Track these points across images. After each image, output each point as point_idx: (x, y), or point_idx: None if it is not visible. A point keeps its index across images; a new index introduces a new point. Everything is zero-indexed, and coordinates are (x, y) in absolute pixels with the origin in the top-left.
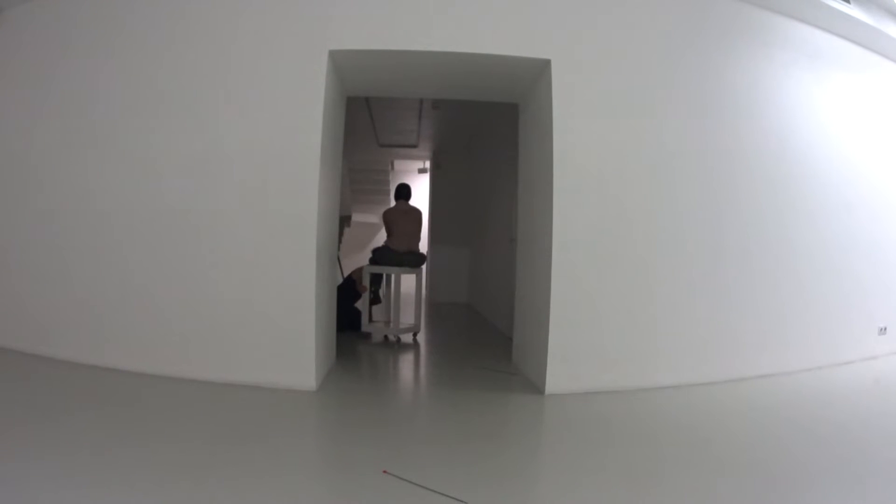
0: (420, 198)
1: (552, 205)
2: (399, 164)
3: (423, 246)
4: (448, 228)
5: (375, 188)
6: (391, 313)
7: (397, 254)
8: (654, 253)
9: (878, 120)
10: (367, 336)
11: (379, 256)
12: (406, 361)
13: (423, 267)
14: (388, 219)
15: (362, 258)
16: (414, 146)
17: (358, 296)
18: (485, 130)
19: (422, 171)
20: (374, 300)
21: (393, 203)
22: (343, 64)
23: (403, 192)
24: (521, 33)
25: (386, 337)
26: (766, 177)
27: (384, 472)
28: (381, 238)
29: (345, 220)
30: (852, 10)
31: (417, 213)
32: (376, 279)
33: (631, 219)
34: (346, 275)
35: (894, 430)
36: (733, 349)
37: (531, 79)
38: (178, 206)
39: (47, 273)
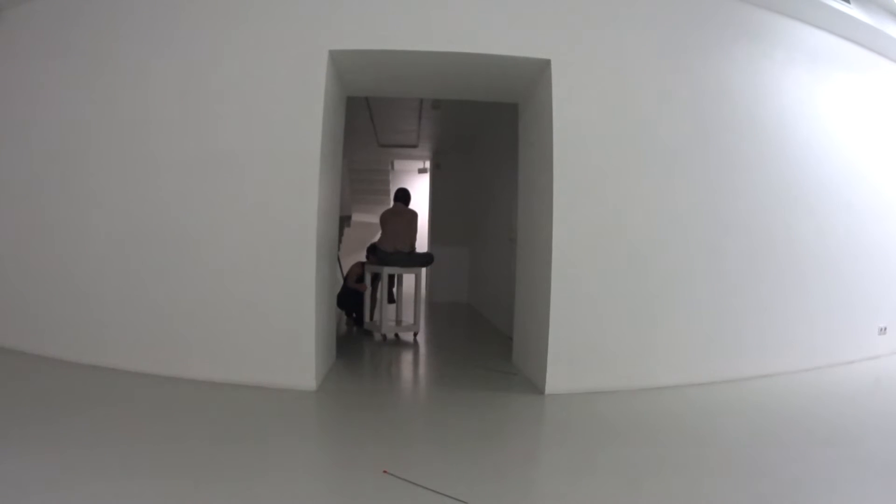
0: (420, 198)
1: (552, 204)
2: (399, 164)
3: (424, 247)
4: (448, 228)
5: (375, 188)
6: (380, 312)
7: (385, 253)
8: (654, 252)
9: (878, 120)
10: (369, 334)
11: (375, 256)
12: (406, 361)
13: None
14: (382, 219)
15: (362, 258)
16: (414, 146)
17: (359, 295)
18: (485, 130)
19: (422, 171)
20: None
21: (392, 204)
22: (343, 64)
23: (400, 195)
24: (521, 33)
25: (394, 336)
26: (766, 176)
27: (384, 472)
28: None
29: (345, 220)
30: (852, 10)
31: (410, 214)
32: (374, 278)
33: (631, 218)
34: (344, 274)
35: (894, 430)
36: (734, 349)
37: (531, 79)
38: (178, 205)
39: (47, 273)
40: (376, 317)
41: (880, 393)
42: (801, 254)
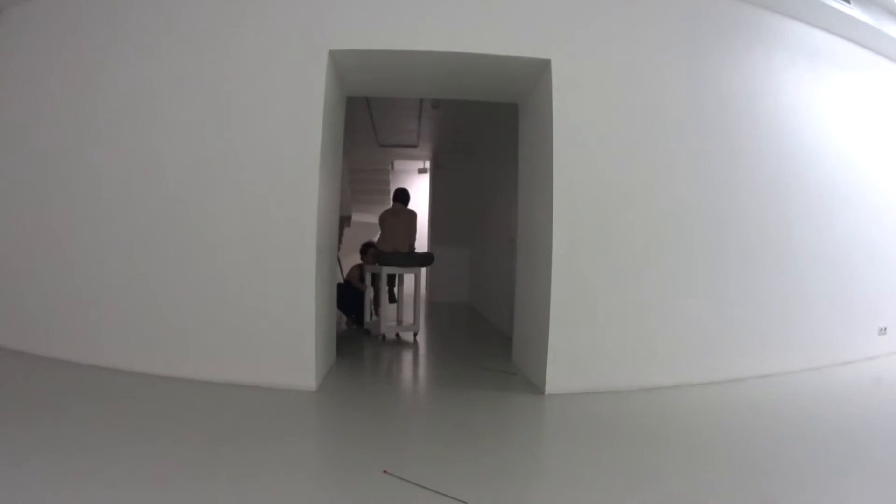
0: (420, 198)
1: (552, 204)
2: (399, 164)
3: (424, 247)
4: (448, 228)
5: (375, 188)
6: (381, 312)
7: (385, 254)
8: (653, 252)
9: (878, 120)
10: (369, 334)
11: (369, 255)
12: (406, 361)
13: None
14: (381, 219)
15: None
16: (414, 146)
17: (359, 293)
18: (485, 130)
19: (422, 171)
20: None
21: (392, 204)
22: (343, 64)
23: (398, 195)
24: (521, 33)
25: (394, 336)
26: (766, 176)
27: (384, 472)
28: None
29: (345, 220)
30: (852, 10)
31: (409, 214)
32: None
33: (631, 218)
34: (345, 275)
35: (894, 430)
36: (733, 349)
37: (531, 79)
38: (178, 205)
39: (47, 273)
40: (376, 317)
41: (880, 393)
42: (800, 253)
